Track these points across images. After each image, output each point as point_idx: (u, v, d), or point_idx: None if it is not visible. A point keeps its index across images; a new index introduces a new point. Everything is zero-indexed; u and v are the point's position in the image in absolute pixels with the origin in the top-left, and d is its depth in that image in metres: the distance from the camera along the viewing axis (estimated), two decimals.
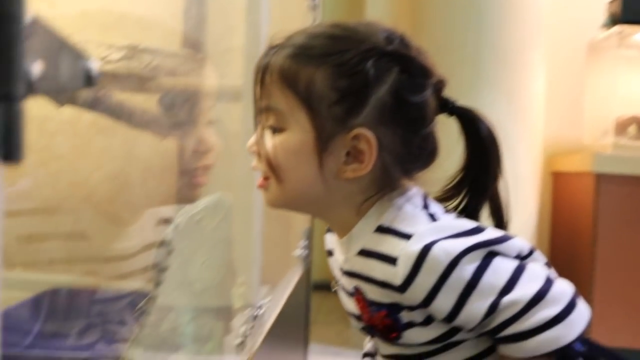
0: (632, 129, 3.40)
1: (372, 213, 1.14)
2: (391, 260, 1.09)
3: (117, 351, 1.71)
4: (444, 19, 3.30)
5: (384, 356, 1.24)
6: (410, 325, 1.13)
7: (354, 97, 1.09)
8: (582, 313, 1.07)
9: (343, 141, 1.10)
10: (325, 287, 4.83)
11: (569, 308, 1.06)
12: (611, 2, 3.64)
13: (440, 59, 3.46)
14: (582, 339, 1.08)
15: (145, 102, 2.11)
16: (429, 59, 1.15)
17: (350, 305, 1.21)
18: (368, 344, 1.39)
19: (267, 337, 1.98)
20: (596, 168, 3.20)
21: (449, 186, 1.22)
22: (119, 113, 2.05)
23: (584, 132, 3.72)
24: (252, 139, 1.16)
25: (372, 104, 1.10)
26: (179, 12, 2.23)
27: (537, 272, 1.08)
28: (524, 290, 1.05)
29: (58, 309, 1.96)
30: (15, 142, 0.51)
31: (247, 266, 1.91)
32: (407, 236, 1.08)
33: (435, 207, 1.15)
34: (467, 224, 1.11)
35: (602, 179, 3.17)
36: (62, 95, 1.50)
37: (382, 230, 1.12)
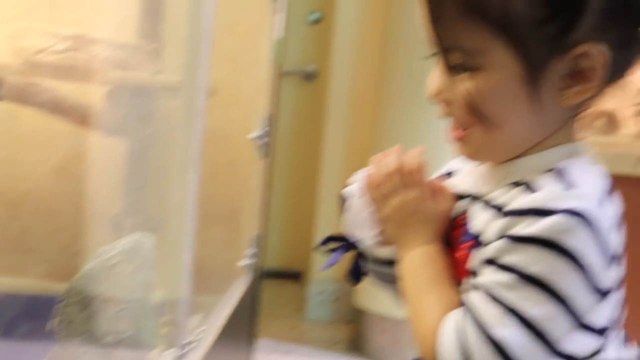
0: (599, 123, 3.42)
1: (552, 152, 1.03)
2: (534, 192, 1.00)
3: None
4: (414, 8, 3.29)
5: None
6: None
7: (567, 6, 0.96)
8: None
9: (561, 64, 0.98)
10: (284, 275, 4.79)
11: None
12: None
13: (408, 47, 3.33)
14: None
15: (91, 96, 2.12)
16: None
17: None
18: None
19: (214, 346, 1.99)
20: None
21: None
22: (56, 108, 2.05)
23: None
24: (437, 84, 1.02)
25: (591, 9, 0.96)
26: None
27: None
28: (516, 340, 0.96)
29: None
30: None
31: (173, 305, 1.88)
32: (570, 185, 0.98)
33: (610, 201, 1.06)
34: (614, 244, 1.01)
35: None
36: None
37: (555, 171, 1.00)
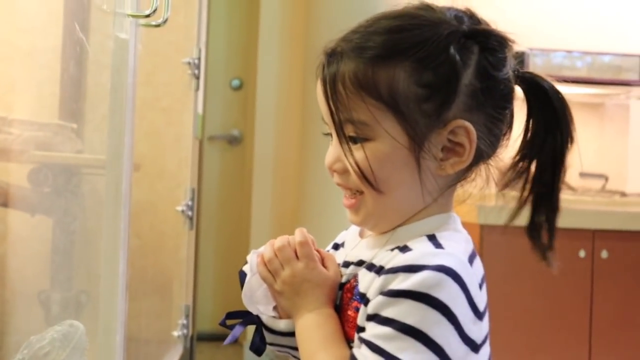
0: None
1: (430, 221, 1.10)
2: (407, 251, 1.06)
3: None
4: (339, 15, 3.28)
5: None
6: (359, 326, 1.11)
7: (444, 88, 1.05)
8: None
9: (438, 137, 1.07)
10: (220, 338, 4.70)
11: None
12: None
13: None
14: None
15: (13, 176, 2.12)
16: (500, 29, 1.11)
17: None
18: None
19: None
20: (481, 220, 3.37)
21: (513, 159, 1.15)
22: None
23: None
24: (332, 156, 1.10)
25: (462, 91, 1.06)
26: (56, 75, 2.23)
27: None
28: None
29: None
30: None
31: None
32: (440, 246, 1.05)
33: (478, 264, 1.13)
34: (481, 302, 1.07)
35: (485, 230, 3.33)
36: None
37: (429, 237, 1.08)
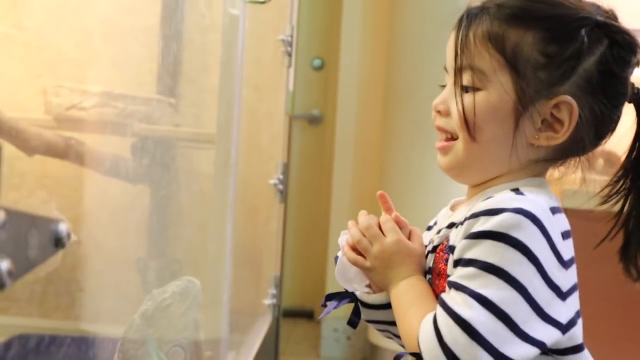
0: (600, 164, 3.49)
1: (517, 183, 1.15)
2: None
3: None
4: (417, 50, 3.29)
5: None
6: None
7: (563, 63, 1.11)
8: None
9: (543, 107, 1.12)
10: (298, 314, 4.69)
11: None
12: None
13: (412, 91, 3.35)
14: None
15: (116, 147, 2.17)
16: (634, 36, 1.15)
17: (428, 260, 1.22)
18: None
19: None
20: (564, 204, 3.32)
21: (618, 176, 1.19)
22: (87, 160, 2.13)
23: None
24: (440, 97, 1.17)
25: (579, 73, 1.11)
26: (154, 52, 2.28)
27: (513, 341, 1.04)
28: (483, 319, 1.03)
29: (27, 352, 2.08)
30: None
31: (214, 344, 1.96)
32: (520, 193, 1.10)
33: (564, 220, 1.15)
34: (563, 248, 1.10)
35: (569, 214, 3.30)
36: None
37: (513, 189, 1.13)
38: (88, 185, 2.19)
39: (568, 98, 1.10)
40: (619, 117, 1.15)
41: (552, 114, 1.11)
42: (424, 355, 1.05)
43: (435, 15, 3.27)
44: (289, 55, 2.81)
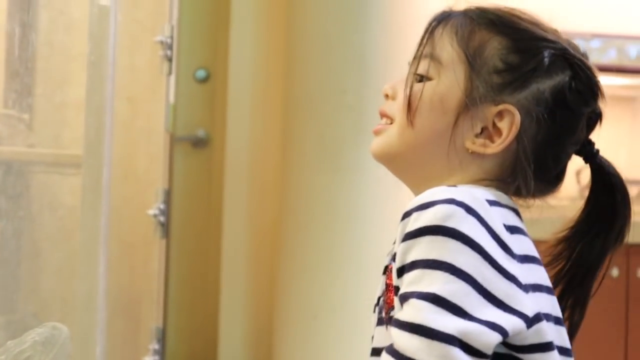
0: None
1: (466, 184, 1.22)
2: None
3: None
4: (320, 57, 3.26)
5: (379, 349, 1.26)
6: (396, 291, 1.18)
7: (519, 75, 1.21)
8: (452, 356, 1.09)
9: (487, 111, 1.21)
10: None
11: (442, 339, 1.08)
12: None
13: (316, 105, 3.35)
14: None
15: None
16: (598, 79, 1.25)
17: (379, 287, 1.28)
18: None
19: None
20: None
21: (560, 236, 1.28)
22: None
23: None
24: (391, 82, 1.29)
25: (531, 90, 1.20)
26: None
27: (472, 330, 1.09)
28: (438, 318, 1.09)
29: None
30: None
31: None
32: (453, 187, 1.17)
33: (510, 214, 1.21)
34: (508, 239, 1.15)
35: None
36: None
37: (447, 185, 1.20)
38: None
39: (512, 108, 1.19)
40: (562, 161, 1.23)
41: (493, 123, 1.20)
42: None
43: (342, 14, 3.23)
44: (169, 60, 2.88)
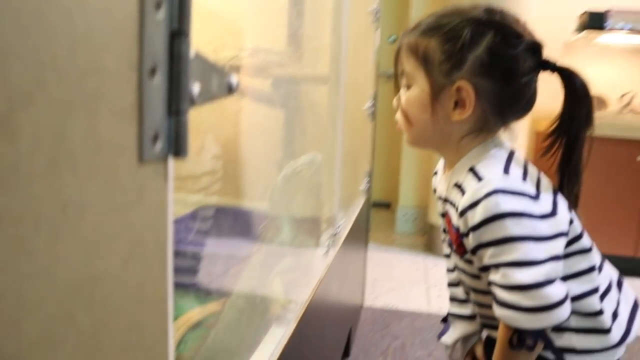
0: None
1: (470, 155, 1.27)
2: (464, 193, 1.22)
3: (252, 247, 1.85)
4: None
5: (455, 267, 1.35)
6: (467, 249, 1.25)
7: (455, 55, 1.25)
8: (552, 318, 1.12)
9: (450, 92, 1.26)
10: (382, 205, 5.85)
11: (542, 309, 1.11)
12: (581, 15, 4.70)
13: None
14: (538, 334, 1.14)
15: (261, 85, 2.27)
16: (522, 26, 1.26)
17: (442, 223, 1.36)
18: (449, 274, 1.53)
19: (342, 244, 2.32)
20: None
21: (548, 131, 1.26)
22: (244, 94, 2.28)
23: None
24: (396, 97, 1.33)
25: (470, 61, 1.24)
26: (284, 22, 2.39)
27: (545, 271, 1.11)
28: (523, 275, 1.10)
29: (207, 218, 2.14)
30: (182, 144, 0.63)
31: (331, 200, 2.23)
32: (480, 179, 1.20)
33: (515, 166, 1.23)
34: (529, 189, 1.17)
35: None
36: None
37: (471, 170, 1.24)
38: (244, 109, 2.23)
39: (463, 82, 1.27)
40: (525, 92, 1.28)
41: (459, 96, 1.29)
42: (509, 323, 1.16)
43: None
44: (376, 22, 3.26)
